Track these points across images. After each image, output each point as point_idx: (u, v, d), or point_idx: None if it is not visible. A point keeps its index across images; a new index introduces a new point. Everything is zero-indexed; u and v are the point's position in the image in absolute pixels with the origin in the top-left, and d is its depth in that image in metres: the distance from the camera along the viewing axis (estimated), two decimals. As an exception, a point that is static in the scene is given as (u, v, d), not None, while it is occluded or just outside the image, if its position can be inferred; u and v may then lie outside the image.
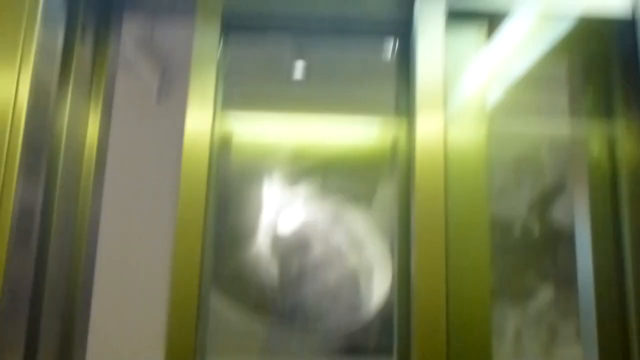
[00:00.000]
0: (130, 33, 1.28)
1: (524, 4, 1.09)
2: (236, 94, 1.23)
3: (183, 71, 1.57)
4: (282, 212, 1.85)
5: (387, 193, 1.77)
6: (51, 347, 0.98)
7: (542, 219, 1.77)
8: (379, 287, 1.72)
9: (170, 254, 0.99)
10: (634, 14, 1.08)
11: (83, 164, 1.08)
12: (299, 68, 1.60)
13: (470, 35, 1.11)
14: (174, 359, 0.95)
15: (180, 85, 1.73)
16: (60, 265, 1.00)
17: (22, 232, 0.89)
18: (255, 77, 1.70)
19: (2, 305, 0.83)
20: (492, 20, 1.13)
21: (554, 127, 1.44)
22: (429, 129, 1.02)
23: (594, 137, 1.19)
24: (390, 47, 1.20)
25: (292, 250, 1.79)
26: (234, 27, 1.15)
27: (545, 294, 1.69)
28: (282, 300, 1.72)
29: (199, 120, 1.02)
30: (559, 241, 1.74)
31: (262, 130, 1.23)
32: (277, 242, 1.81)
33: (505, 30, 1.16)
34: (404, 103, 1.14)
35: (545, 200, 1.78)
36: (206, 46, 1.05)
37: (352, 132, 1.21)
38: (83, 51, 1.09)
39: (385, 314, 1.67)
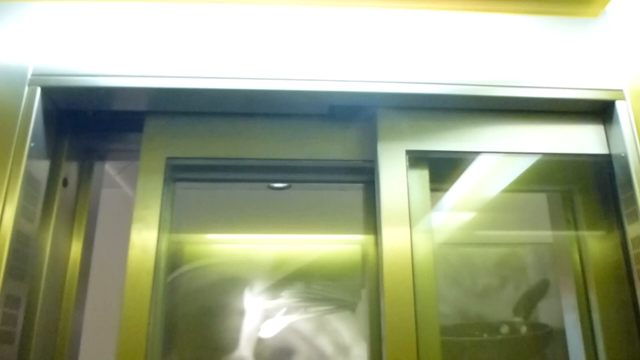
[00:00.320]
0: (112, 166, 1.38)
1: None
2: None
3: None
4: (262, 322, 1.86)
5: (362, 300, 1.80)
6: None
7: (527, 318, 1.79)
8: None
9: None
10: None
11: (65, 287, 1.11)
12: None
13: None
14: None
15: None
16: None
17: (3, 353, 0.92)
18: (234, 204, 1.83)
19: None
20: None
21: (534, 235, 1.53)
22: (395, 245, 1.09)
23: (570, 244, 1.30)
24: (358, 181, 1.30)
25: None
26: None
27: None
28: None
29: (142, 244, 1.09)
30: (546, 339, 1.75)
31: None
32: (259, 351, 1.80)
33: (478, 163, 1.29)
34: (371, 223, 1.21)
35: (530, 300, 1.81)
36: (150, 183, 1.14)
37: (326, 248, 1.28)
38: (66, 188, 1.18)
39: None
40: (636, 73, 1.20)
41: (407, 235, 1.09)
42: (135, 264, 1.07)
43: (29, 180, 1.03)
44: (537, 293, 1.77)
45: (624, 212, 1.14)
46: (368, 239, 1.24)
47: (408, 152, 1.16)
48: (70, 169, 1.20)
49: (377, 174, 1.14)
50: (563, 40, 1.22)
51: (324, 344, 1.79)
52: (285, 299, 1.91)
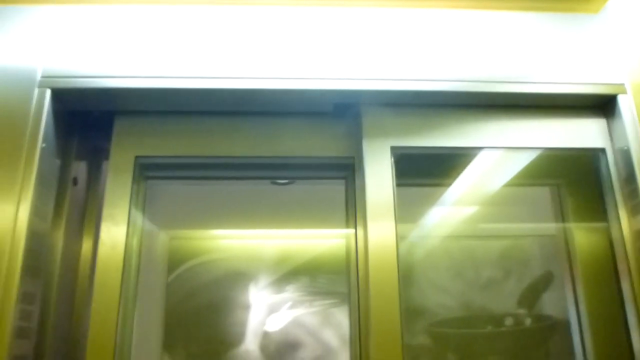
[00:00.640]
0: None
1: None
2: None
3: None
4: (267, 316, 1.89)
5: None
6: None
7: (531, 310, 1.81)
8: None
9: None
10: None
11: (78, 283, 1.14)
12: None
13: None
14: None
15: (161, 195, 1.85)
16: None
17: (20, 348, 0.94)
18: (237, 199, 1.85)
19: None
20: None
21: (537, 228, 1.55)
22: (380, 240, 1.11)
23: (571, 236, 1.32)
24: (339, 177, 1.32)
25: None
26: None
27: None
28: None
29: (111, 242, 1.12)
30: (551, 331, 1.77)
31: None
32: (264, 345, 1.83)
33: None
34: (352, 217, 1.23)
35: (534, 292, 1.83)
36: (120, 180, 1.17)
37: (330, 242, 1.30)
38: (76, 186, 1.20)
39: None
40: (638, 67, 1.21)
41: (393, 230, 1.11)
42: (105, 261, 1.09)
43: (41, 181, 1.05)
44: (541, 285, 1.78)
45: (627, 205, 1.16)
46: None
47: (393, 149, 1.17)
48: (80, 168, 1.22)
49: (362, 170, 1.16)
50: (563, 36, 1.24)
51: (330, 337, 1.81)
52: (290, 293, 1.93)
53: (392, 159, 1.17)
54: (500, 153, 1.29)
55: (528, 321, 1.80)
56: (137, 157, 1.18)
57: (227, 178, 1.30)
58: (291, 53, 1.16)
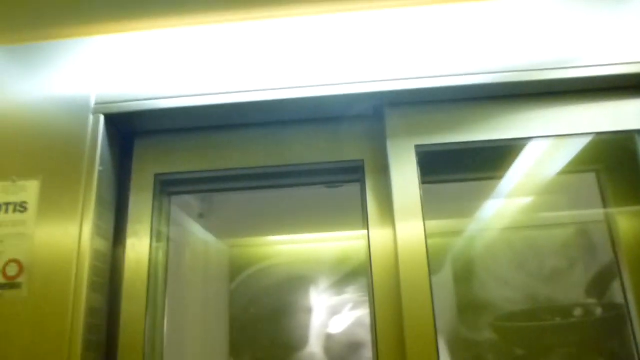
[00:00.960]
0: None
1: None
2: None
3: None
4: (329, 318, 1.91)
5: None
6: None
7: (601, 299, 1.75)
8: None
9: None
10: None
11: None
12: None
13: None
14: None
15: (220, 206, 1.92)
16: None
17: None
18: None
19: None
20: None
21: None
22: (409, 240, 1.10)
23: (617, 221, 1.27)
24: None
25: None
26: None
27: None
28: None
29: (136, 257, 1.17)
30: (617, 321, 1.70)
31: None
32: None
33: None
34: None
35: (603, 281, 1.77)
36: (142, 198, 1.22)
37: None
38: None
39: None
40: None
41: (421, 229, 1.10)
42: (131, 276, 1.15)
43: (101, 201, 1.11)
44: (611, 272, 1.72)
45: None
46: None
47: (417, 147, 1.16)
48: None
49: (388, 170, 1.15)
50: (595, 15, 1.18)
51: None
52: (350, 294, 1.95)
53: (417, 158, 1.16)
54: (543, 142, 1.25)
55: (599, 311, 1.74)
56: (156, 175, 1.23)
57: (243, 189, 1.32)
58: (307, 62, 1.17)
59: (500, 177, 1.49)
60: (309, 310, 1.96)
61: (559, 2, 1.19)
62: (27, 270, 1.03)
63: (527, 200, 1.74)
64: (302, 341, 1.91)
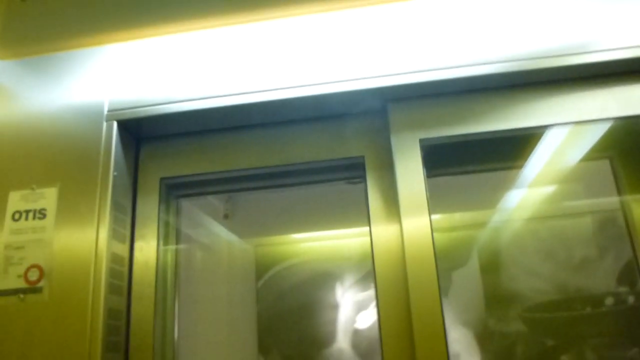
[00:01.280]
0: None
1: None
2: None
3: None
4: (356, 314, 1.91)
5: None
6: None
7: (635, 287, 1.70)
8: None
9: None
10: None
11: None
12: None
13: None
14: None
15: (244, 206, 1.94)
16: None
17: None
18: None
19: None
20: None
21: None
22: (415, 232, 1.09)
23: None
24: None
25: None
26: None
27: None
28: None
29: (144, 260, 1.20)
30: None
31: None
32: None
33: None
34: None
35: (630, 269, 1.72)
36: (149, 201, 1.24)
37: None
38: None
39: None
40: None
41: (427, 224, 1.09)
42: (139, 277, 1.17)
43: (116, 206, 1.14)
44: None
45: None
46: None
47: (422, 141, 1.15)
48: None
49: (392, 165, 1.14)
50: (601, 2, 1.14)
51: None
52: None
53: (421, 152, 1.15)
54: (558, 130, 1.22)
55: (631, 299, 1.69)
56: (162, 179, 1.25)
57: (249, 189, 1.33)
58: (308, 61, 1.17)
59: (514, 168, 1.47)
60: (335, 307, 1.96)
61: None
62: (47, 275, 1.07)
63: (547, 189, 1.71)
64: (330, 337, 1.92)
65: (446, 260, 1.82)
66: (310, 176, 1.29)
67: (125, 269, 1.16)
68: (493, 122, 1.14)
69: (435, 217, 1.81)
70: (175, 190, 1.31)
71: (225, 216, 2.00)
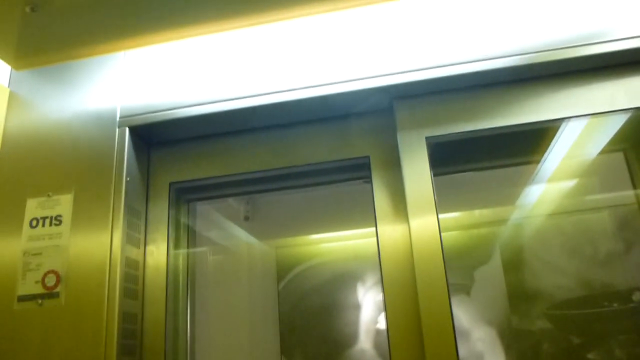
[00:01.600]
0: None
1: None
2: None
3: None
4: (378, 314, 1.90)
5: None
6: None
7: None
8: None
9: None
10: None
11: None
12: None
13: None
14: None
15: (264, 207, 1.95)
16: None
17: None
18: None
19: None
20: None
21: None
22: (423, 233, 1.08)
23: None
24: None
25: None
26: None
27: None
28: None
29: (155, 264, 1.21)
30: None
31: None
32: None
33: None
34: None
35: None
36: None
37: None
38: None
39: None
40: None
41: (435, 221, 1.07)
42: (151, 281, 1.19)
43: (130, 210, 1.16)
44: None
45: None
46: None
47: (428, 138, 1.14)
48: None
49: (399, 163, 1.14)
50: None
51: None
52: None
53: (428, 150, 1.14)
54: (574, 123, 1.19)
55: (661, 295, 1.65)
56: (171, 184, 1.27)
57: (258, 192, 1.34)
58: (313, 62, 1.18)
59: (524, 163, 1.44)
60: (357, 307, 1.95)
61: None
62: (64, 280, 1.09)
63: (564, 184, 1.67)
64: (352, 337, 1.91)
65: (468, 258, 1.80)
66: (319, 177, 1.30)
67: (140, 273, 1.17)
68: (500, 118, 1.12)
69: (454, 214, 1.79)
70: (185, 194, 1.33)
71: (246, 218, 2.01)
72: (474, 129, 1.13)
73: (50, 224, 1.14)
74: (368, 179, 1.24)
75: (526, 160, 1.42)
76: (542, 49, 1.09)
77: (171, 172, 1.28)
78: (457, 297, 1.82)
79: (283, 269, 2.05)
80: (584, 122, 1.19)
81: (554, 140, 1.28)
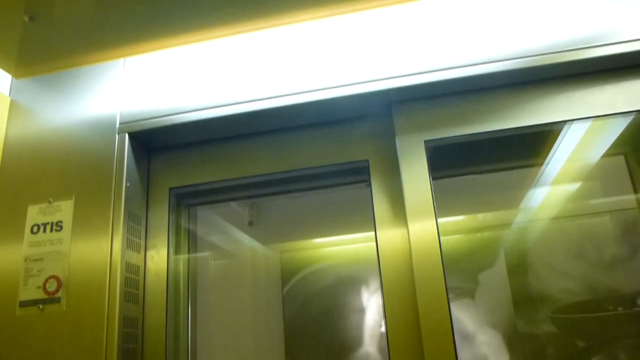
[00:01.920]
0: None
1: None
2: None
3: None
4: (382, 317, 1.90)
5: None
6: None
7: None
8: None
9: None
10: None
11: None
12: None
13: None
14: None
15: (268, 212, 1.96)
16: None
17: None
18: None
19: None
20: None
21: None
22: (422, 237, 1.08)
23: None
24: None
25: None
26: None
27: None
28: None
29: (155, 268, 1.22)
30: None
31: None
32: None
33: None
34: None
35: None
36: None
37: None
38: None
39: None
40: None
41: (434, 225, 1.07)
42: (151, 286, 1.20)
43: (130, 216, 1.17)
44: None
45: None
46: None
47: (427, 142, 1.14)
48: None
49: (398, 167, 1.14)
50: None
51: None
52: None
53: (427, 154, 1.14)
54: (577, 126, 1.19)
55: (666, 299, 1.63)
56: (171, 189, 1.28)
57: (256, 196, 1.34)
58: (312, 66, 1.18)
59: (524, 167, 1.44)
60: (361, 311, 1.95)
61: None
62: (65, 285, 1.10)
63: (569, 187, 1.67)
64: (357, 341, 1.91)
65: (472, 261, 1.79)
66: (319, 181, 1.31)
67: (141, 278, 1.18)
68: (499, 121, 1.12)
69: (458, 218, 1.78)
70: (185, 199, 1.34)
71: (250, 223, 2.01)
72: (472, 133, 1.13)
73: (51, 230, 1.15)
74: (368, 182, 1.25)
75: (528, 164, 1.41)
76: (542, 52, 1.09)
77: (171, 177, 1.29)
78: (462, 301, 1.81)
79: (287, 274, 2.05)
80: (585, 125, 1.18)
81: (556, 144, 1.28)
